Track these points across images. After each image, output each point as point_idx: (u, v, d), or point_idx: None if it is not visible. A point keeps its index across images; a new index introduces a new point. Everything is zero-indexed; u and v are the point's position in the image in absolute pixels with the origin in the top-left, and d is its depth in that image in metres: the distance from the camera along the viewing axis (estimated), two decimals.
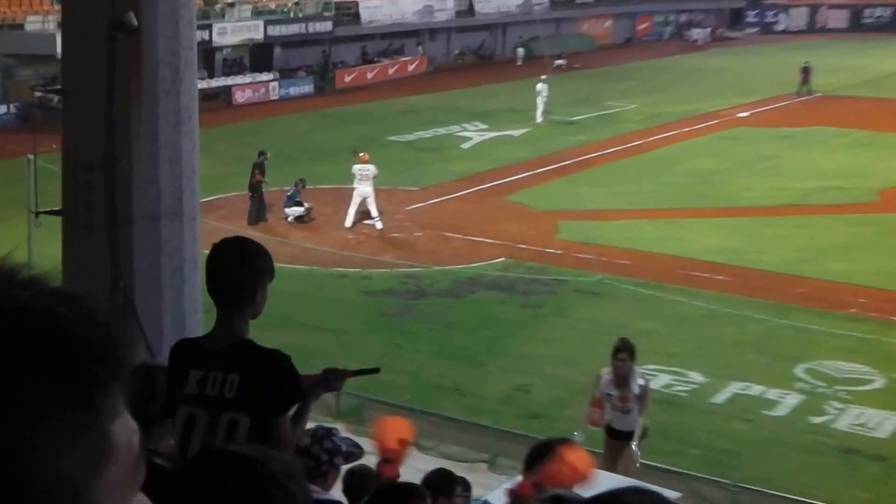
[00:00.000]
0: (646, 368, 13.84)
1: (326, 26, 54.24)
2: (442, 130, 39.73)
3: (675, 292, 20.79)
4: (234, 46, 50.54)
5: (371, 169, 25.75)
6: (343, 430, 6.64)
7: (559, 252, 23.70)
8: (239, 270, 4.32)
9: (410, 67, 58.09)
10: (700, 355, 17.81)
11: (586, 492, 4.61)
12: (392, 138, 37.34)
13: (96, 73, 7.06)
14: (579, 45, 67.84)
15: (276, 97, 48.57)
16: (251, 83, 48.87)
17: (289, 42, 53.18)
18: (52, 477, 1.07)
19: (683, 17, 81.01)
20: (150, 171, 7.37)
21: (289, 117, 42.50)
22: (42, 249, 12.32)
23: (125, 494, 1.16)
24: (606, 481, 5.01)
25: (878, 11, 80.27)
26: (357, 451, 5.86)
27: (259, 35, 50.60)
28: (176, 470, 4.18)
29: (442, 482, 6.63)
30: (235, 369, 4.27)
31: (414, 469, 6.61)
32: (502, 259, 23.29)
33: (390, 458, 5.31)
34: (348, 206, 25.92)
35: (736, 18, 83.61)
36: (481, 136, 38.87)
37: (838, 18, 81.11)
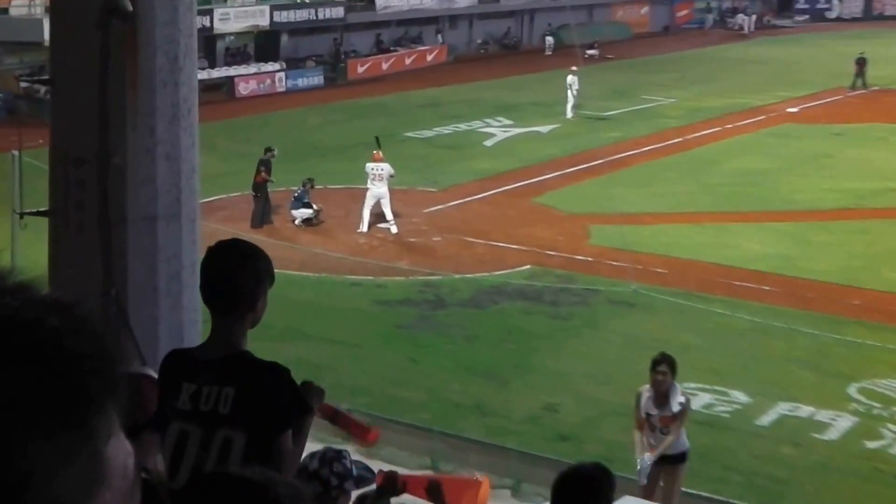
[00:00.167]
0: (685, 386, 13.78)
1: (338, 12, 54.38)
2: (463, 126, 39.71)
3: (717, 303, 20.72)
4: (238, 34, 50.70)
5: (386, 167, 25.73)
6: (354, 452, 6.63)
7: (590, 259, 23.66)
8: (239, 275, 4.31)
9: (429, 57, 58.14)
10: (744, 373, 17.74)
11: None
12: (409, 134, 37.36)
13: (87, 62, 7.07)
14: (613, 33, 67.80)
15: (283, 89, 48.68)
16: (256, 74, 48.99)
17: (297, 29, 53.30)
18: (41, 502, 1.06)
19: (727, 4, 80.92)
20: (145, 169, 7.38)
21: (296, 111, 42.57)
22: (27, 253, 12.34)
23: None
24: None
25: None
26: (369, 476, 5.86)
27: (265, 21, 50.74)
28: (173, 497, 4.19)
29: None
30: (230, 382, 4.26)
31: None
32: (528, 266, 23.26)
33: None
34: (361, 207, 25.94)
35: (784, 5, 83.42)
36: (506, 132, 38.85)
37: None
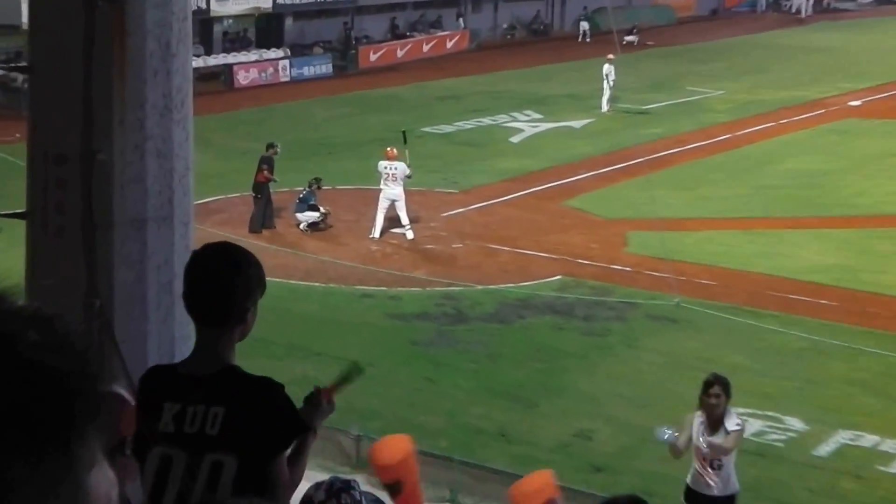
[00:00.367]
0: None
1: None
2: (486, 120, 39.77)
3: (770, 319, 20.68)
4: (237, 17, 50.84)
5: (401, 167, 25.73)
6: (363, 482, 6.63)
7: (628, 269, 23.66)
8: (228, 283, 4.29)
9: (449, 44, 58.21)
10: (800, 397, 17.70)
11: None
12: (427, 129, 37.38)
13: (71, 48, 7.08)
14: (655, 17, 67.78)
15: (287, 79, 48.80)
16: (257, 61, 49.12)
17: (302, 12, 53.44)
18: None
19: None
20: (134, 167, 7.39)
21: (302, 103, 42.67)
22: (1, 260, 12.38)
23: None
24: None
25: None
26: None
27: (267, 3, 50.89)
28: None
29: None
30: (219, 401, 4.24)
31: None
32: (559, 277, 23.26)
33: (395, 483, 5.31)
34: (374, 211, 25.96)
35: None
36: (534, 127, 38.87)
37: None
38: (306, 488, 5.01)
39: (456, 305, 21.69)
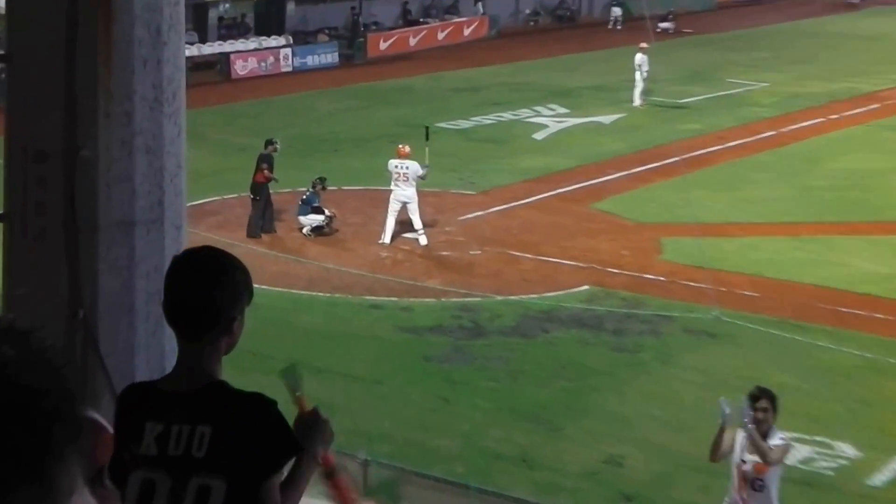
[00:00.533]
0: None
1: None
2: (508, 115, 39.81)
3: (819, 334, 20.65)
4: (234, 1, 50.94)
5: (413, 166, 25.72)
6: None
7: (662, 279, 23.65)
8: (214, 291, 4.28)
9: (467, 31, 58.30)
10: (853, 420, 17.67)
11: None
12: (442, 125, 37.35)
13: (52, 35, 7.09)
14: (693, 2, 67.78)
15: (289, 69, 48.94)
16: (256, 50, 49.26)
17: None
18: None
19: None
20: (121, 164, 7.39)
21: (305, 95, 42.77)
22: None
23: None
24: None
25: None
26: None
27: None
28: None
29: None
30: (205, 419, 4.23)
31: None
32: (586, 287, 23.26)
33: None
34: (384, 214, 25.97)
35: None
36: (560, 122, 38.90)
37: None
38: None
39: (473, 318, 21.69)
